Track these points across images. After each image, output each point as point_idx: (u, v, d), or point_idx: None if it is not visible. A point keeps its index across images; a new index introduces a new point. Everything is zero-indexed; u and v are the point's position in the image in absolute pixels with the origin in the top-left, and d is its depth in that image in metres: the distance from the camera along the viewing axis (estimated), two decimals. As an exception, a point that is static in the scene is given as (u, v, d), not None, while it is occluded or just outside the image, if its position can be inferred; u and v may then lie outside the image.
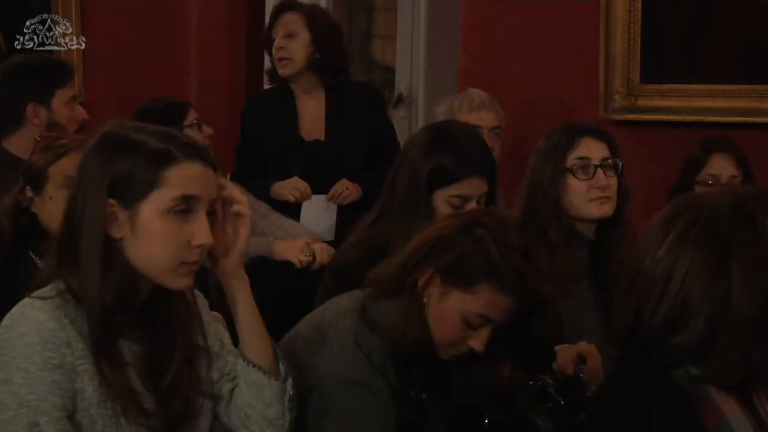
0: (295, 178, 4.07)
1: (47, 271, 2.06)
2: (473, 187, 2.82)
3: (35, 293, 2.02)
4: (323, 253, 3.65)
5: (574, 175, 3.08)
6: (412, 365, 2.37)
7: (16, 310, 1.99)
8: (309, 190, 4.05)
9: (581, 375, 2.72)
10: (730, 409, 1.92)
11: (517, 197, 3.20)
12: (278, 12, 4.28)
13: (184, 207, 2.01)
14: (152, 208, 2.00)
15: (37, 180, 3.05)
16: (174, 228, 2.00)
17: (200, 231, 2.01)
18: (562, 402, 2.67)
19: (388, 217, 2.87)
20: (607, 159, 3.10)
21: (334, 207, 4.10)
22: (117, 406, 1.99)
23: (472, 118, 3.95)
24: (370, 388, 2.35)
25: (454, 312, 2.33)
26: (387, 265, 2.45)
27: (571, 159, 3.09)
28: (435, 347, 2.36)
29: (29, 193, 3.06)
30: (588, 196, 3.07)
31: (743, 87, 4.12)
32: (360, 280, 2.74)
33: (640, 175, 3.68)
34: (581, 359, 2.76)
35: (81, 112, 3.85)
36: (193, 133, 3.82)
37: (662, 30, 4.25)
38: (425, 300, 2.35)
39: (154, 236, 2.00)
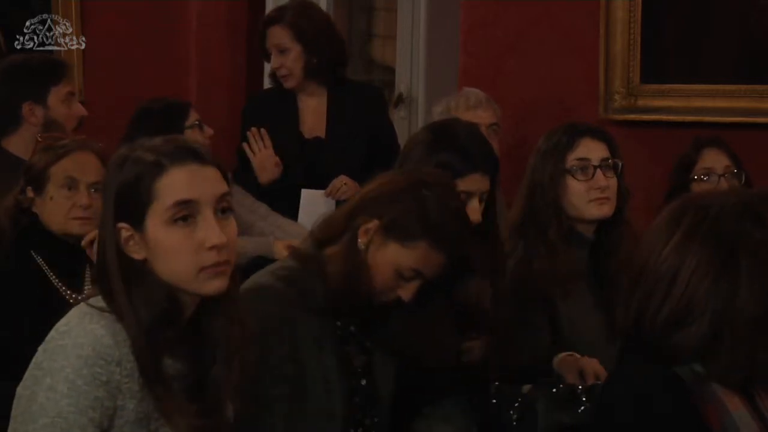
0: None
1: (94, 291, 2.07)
2: (475, 183, 2.82)
3: (92, 301, 2.01)
4: None
5: (573, 176, 3.08)
6: (342, 304, 2.50)
7: (74, 318, 1.99)
8: None
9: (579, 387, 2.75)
10: (735, 405, 1.92)
11: (517, 197, 3.20)
12: (264, 27, 4.26)
13: (185, 213, 1.99)
14: (155, 223, 1.99)
15: (38, 180, 3.05)
16: (182, 237, 1.98)
17: (209, 232, 1.99)
18: (589, 404, 2.70)
19: None
20: (607, 159, 3.10)
21: (332, 202, 4.11)
22: (152, 424, 1.99)
23: (469, 117, 3.95)
24: (277, 291, 2.46)
25: (389, 263, 2.47)
26: (335, 215, 2.60)
27: (571, 160, 3.09)
28: (366, 291, 2.48)
29: (30, 194, 3.06)
30: (587, 197, 3.07)
31: (743, 87, 4.11)
32: None
33: (640, 175, 3.68)
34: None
35: (79, 109, 3.85)
36: (194, 134, 3.82)
37: (662, 30, 4.24)
38: (363, 247, 2.47)
39: (166, 250, 1.99)
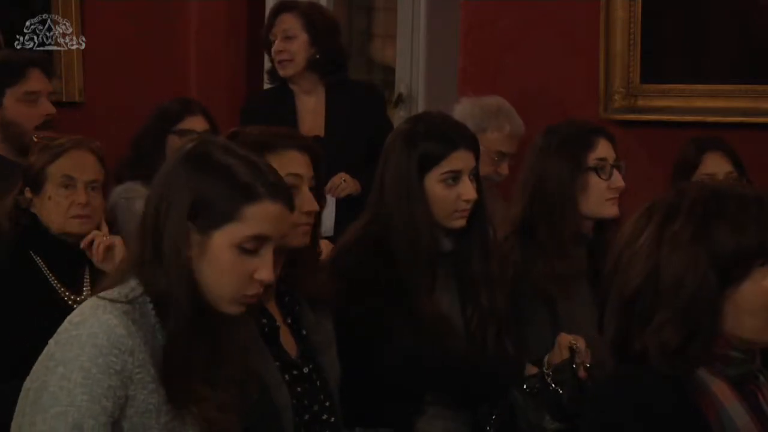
0: None
1: (118, 274, 2.07)
2: (461, 161, 2.84)
3: (104, 294, 2.03)
4: (327, 247, 3.65)
5: (597, 174, 3.08)
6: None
7: (87, 309, 2.00)
8: None
9: (575, 355, 2.74)
10: (727, 398, 1.93)
11: (518, 194, 3.19)
12: (275, 14, 4.30)
13: (254, 246, 2.01)
14: (224, 239, 2.00)
15: (36, 180, 3.05)
16: (241, 261, 2.01)
17: (264, 268, 2.02)
18: (560, 391, 2.69)
19: (383, 217, 2.86)
20: (617, 160, 3.13)
21: (332, 200, 4.11)
22: (162, 417, 2.00)
23: (494, 142, 3.96)
24: None
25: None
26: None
27: (592, 159, 3.10)
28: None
29: (28, 194, 3.06)
30: (605, 196, 3.09)
31: (743, 87, 4.12)
32: (365, 282, 2.74)
33: (640, 175, 3.68)
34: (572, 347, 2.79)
35: (45, 108, 3.82)
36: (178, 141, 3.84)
37: (662, 30, 4.25)
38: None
39: (221, 265, 2.01)
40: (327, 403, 2.58)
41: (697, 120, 4.15)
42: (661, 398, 1.91)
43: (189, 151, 2.05)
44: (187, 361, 2.00)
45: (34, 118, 3.77)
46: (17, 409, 1.99)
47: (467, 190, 2.83)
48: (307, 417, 2.54)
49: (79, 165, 3.08)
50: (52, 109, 3.83)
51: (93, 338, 1.94)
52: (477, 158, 2.90)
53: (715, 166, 3.63)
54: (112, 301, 2.00)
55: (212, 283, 2.02)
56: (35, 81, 3.81)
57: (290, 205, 2.08)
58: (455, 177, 2.83)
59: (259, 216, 2.01)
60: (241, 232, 2.00)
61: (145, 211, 2.07)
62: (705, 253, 1.91)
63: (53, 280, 3.02)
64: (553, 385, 2.71)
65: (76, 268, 3.07)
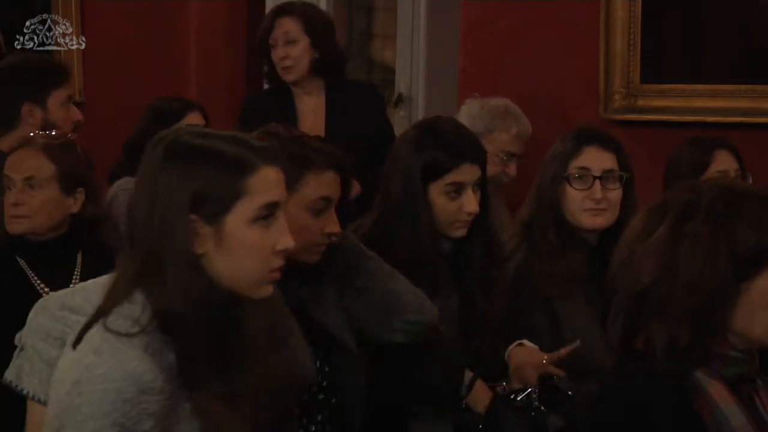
0: None
1: (119, 291, 1.94)
2: (466, 173, 2.83)
3: (114, 325, 1.91)
4: None
5: (570, 183, 3.07)
6: None
7: (105, 350, 1.87)
8: None
9: (555, 380, 2.75)
10: (723, 399, 1.94)
11: (528, 195, 3.21)
12: (275, 17, 4.27)
13: (267, 213, 1.95)
14: (239, 219, 1.93)
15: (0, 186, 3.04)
16: (261, 236, 1.94)
17: (283, 235, 1.96)
18: (544, 409, 2.69)
19: (387, 220, 2.86)
20: (611, 171, 3.08)
21: None
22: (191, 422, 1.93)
23: (503, 142, 3.95)
24: None
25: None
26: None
27: (572, 167, 3.08)
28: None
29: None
30: (582, 206, 3.07)
31: (743, 87, 4.11)
32: None
33: (639, 175, 3.67)
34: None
35: (75, 113, 3.84)
36: None
37: (662, 30, 4.25)
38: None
39: (244, 248, 1.94)
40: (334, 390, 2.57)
41: (697, 120, 4.14)
42: (661, 398, 1.92)
43: (167, 147, 1.95)
44: (204, 372, 1.92)
45: (68, 123, 3.77)
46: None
47: (470, 203, 2.82)
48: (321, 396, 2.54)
49: (16, 163, 3.04)
50: (80, 116, 3.86)
51: (122, 394, 1.84)
52: (483, 169, 2.89)
53: (726, 163, 3.62)
54: (127, 336, 1.89)
55: (236, 270, 1.94)
56: (73, 86, 3.83)
57: (283, 166, 2.00)
58: (459, 189, 2.82)
59: (262, 183, 1.94)
60: (251, 205, 1.93)
61: (135, 223, 1.96)
62: (725, 249, 1.92)
63: (34, 279, 3.00)
64: (542, 408, 2.71)
65: (66, 265, 3.03)
